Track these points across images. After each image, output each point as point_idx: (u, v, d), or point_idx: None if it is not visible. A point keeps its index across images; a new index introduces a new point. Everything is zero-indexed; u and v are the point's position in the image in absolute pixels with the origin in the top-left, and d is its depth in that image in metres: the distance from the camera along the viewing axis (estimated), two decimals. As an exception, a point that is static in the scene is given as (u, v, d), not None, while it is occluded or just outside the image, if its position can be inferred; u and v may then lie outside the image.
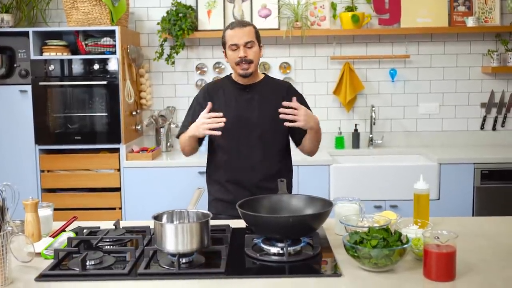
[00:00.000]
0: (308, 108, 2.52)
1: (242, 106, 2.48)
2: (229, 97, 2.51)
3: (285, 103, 2.30)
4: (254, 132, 2.46)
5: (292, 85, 2.62)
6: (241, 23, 2.46)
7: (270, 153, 2.48)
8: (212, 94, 2.53)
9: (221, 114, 2.30)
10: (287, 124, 2.32)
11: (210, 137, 2.50)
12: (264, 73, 2.60)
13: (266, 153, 2.47)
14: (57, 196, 3.87)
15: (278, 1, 4.21)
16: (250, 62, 2.42)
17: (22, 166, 3.85)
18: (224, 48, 2.49)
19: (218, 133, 2.29)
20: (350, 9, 4.18)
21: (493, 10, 4.20)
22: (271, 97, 2.48)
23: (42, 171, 3.86)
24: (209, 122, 2.30)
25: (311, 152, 2.57)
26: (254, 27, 2.48)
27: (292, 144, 2.61)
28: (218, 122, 2.28)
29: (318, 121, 2.43)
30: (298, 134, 2.51)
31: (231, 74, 2.59)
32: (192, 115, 2.55)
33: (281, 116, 2.30)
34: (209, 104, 2.35)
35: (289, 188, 2.51)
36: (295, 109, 2.30)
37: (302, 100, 2.53)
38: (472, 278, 1.61)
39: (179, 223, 1.87)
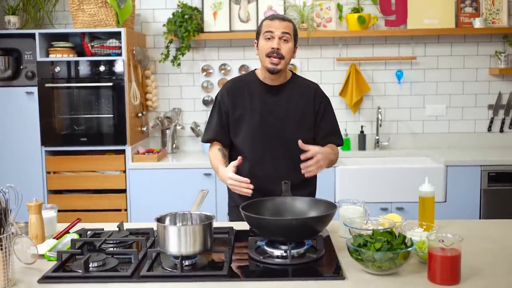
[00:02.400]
0: (333, 112, 2.45)
1: (267, 110, 2.34)
2: (254, 99, 2.35)
3: (302, 157, 2.17)
4: (279, 140, 2.34)
5: (319, 87, 2.46)
6: (281, 17, 2.32)
7: (295, 162, 2.27)
8: (236, 94, 2.38)
9: (248, 181, 2.13)
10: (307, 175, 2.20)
11: (232, 141, 2.41)
12: (291, 71, 2.46)
13: (292, 161, 2.30)
14: (62, 198, 3.88)
15: (284, 3, 4.20)
16: (281, 57, 2.26)
17: (28, 168, 3.86)
18: (257, 38, 2.34)
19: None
20: (356, 10, 4.17)
21: (501, 11, 4.17)
22: (298, 101, 2.36)
23: (48, 172, 3.87)
24: (235, 186, 2.17)
25: None
26: (294, 25, 2.34)
27: None
28: (245, 189, 2.14)
29: (336, 153, 2.38)
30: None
31: (255, 69, 2.44)
32: (218, 117, 2.40)
33: (305, 172, 2.17)
34: (239, 159, 2.21)
35: (313, 195, 2.46)
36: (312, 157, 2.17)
37: (327, 105, 2.43)
38: (477, 282, 1.59)
39: (182, 225, 1.86)
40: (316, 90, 2.43)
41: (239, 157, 2.23)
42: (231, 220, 2.50)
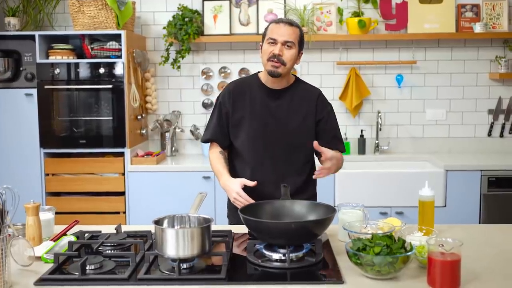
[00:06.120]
0: (335, 118, 2.43)
1: (268, 114, 2.32)
2: (254, 103, 2.33)
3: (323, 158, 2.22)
4: (280, 144, 2.32)
5: (322, 93, 2.43)
6: (288, 21, 2.26)
7: (295, 166, 2.34)
8: (237, 96, 2.36)
9: (252, 201, 2.12)
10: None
11: (232, 142, 2.40)
12: (295, 76, 2.43)
13: (292, 166, 2.33)
14: (61, 200, 3.87)
15: (285, 6, 4.20)
16: (283, 63, 2.23)
17: (27, 170, 3.85)
18: (262, 41, 2.30)
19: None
20: (356, 14, 4.16)
21: (501, 16, 4.17)
22: (299, 106, 2.34)
23: (47, 174, 3.86)
24: (238, 202, 2.17)
25: None
26: (301, 31, 2.30)
27: None
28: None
29: (342, 160, 2.37)
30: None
31: (258, 72, 2.42)
32: (218, 118, 2.39)
33: (315, 175, 2.23)
34: (255, 183, 2.21)
35: (314, 200, 2.41)
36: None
37: (330, 111, 2.41)
38: (477, 287, 1.58)
39: (180, 227, 1.85)
40: (319, 95, 2.41)
41: (255, 182, 2.22)
42: (230, 223, 2.49)
